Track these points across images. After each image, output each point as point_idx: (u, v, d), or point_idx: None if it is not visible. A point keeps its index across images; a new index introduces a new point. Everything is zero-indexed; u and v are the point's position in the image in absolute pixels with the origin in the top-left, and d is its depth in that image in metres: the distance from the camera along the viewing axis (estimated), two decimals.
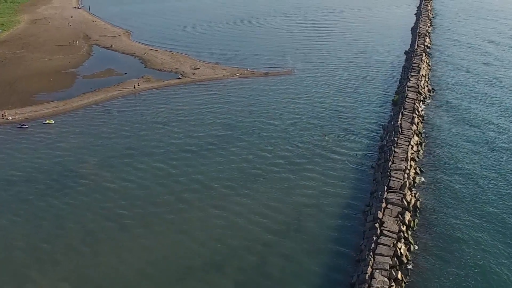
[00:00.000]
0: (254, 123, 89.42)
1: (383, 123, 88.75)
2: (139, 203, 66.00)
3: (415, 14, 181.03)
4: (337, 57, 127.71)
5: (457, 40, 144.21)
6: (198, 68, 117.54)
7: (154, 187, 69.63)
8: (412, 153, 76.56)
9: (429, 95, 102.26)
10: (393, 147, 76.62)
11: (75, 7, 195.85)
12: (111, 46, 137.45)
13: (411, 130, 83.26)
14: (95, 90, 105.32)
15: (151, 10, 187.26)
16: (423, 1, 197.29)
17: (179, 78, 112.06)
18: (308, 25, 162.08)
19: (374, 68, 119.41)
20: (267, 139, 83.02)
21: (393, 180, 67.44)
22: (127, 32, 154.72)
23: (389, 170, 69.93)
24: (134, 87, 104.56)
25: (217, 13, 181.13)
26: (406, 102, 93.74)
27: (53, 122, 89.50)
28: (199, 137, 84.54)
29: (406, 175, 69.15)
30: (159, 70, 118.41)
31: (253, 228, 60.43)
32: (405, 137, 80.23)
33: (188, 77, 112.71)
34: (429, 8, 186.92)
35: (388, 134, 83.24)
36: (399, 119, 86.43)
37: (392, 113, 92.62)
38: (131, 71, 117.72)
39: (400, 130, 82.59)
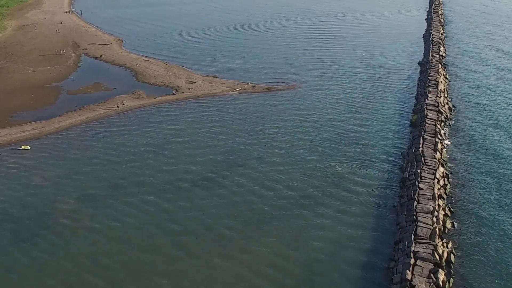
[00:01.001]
0: (257, 147, 79.31)
1: (402, 150, 78.36)
2: (127, 248, 56.08)
3: (425, 19, 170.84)
4: (345, 69, 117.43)
5: (471, 49, 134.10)
6: (195, 82, 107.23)
7: (144, 228, 59.72)
8: (439, 189, 66.30)
9: (450, 114, 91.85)
10: (416, 182, 66.33)
11: (66, 12, 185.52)
12: (100, 56, 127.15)
13: (435, 159, 73.09)
14: (79, 109, 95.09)
15: (147, 15, 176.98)
16: (433, 6, 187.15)
17: (173, 93, 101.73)
18: (313, 31, 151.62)
19: (387, 81, 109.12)
20: (273, 167, 72.91)
21: (420, 226, 57.29)
22: (119, 39, 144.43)
23: (414, 213, 59.70)
24: (118, 106, 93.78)
25: (217, 19, 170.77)
26: (426, 124, 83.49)
27: (29, 148, 79.27)
28: (196, 163, 74.47)
29: (435, 219, 58.91)
30: (151, 84, 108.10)
31: (263, 284, 50.34)
32: (430, 169, 70.03)
33: (183, 92, 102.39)
34: (439, 13, 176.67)
35: (409, 164, 72.91)
36: (420, 146, 76.16)
37: (411, 137, 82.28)
38: (121, 85, 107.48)
39: (422, 159, 72.39)
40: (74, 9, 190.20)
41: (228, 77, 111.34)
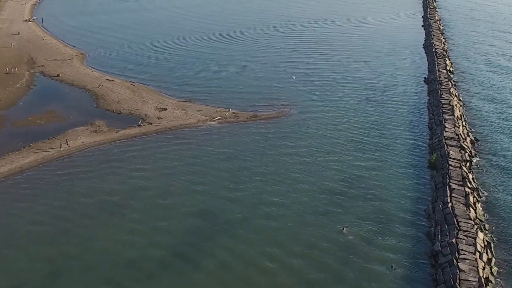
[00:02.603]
0: (244, 202, 62.99)
1: (424, 204, 62.34)
2: None
3: (422, 26, 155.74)
4: (342, 88, 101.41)
5: (479, 60, 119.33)
6: (166, 109, 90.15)
7: None
8: (483, 268, 50.32)
9: (474, 150, 76.22)
10: (454, 260, 50.23)
11: (26, 20, 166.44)
12: (58, 75, 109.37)
13: (470, 219, 57.22)
14: (24, 148, 77.45)
15: (116, 23, 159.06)
16: (428, 10, 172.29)
17: (140, 125, 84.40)
18: (302, 43, 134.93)
19: (392, 103, 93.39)
20: (265, 234, 56.52)
21: None
22: (81, 54, 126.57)
23: None
24: (61, 146, 76.38)
25: (193, 27, 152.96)
26: (450, 167, 67.62)
27: None
28: (166, 230, 57.79)
29: None
30: (114, 112, 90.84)
31: None
32: (466, 236, 54.20)
33: (151, 123, 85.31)
34: (436, 18, 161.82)
35: (438, 229, 56.80)
36: (449, 200, 60.15)
37: (433, 185, 66.36)
38: (78, 114, 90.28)
39: (455, 221, 56.51)
40: (35, 17, 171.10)
41: (205, 102, 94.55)
